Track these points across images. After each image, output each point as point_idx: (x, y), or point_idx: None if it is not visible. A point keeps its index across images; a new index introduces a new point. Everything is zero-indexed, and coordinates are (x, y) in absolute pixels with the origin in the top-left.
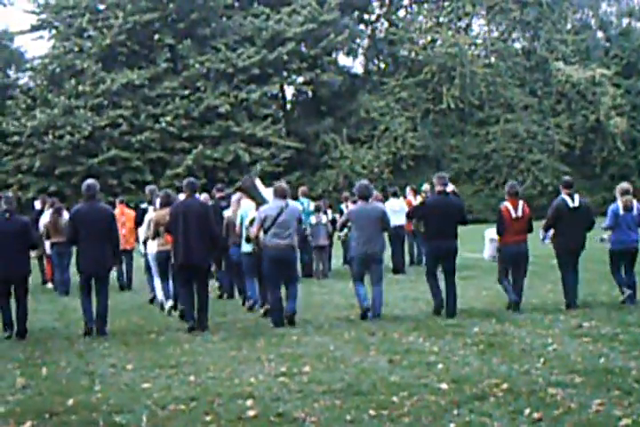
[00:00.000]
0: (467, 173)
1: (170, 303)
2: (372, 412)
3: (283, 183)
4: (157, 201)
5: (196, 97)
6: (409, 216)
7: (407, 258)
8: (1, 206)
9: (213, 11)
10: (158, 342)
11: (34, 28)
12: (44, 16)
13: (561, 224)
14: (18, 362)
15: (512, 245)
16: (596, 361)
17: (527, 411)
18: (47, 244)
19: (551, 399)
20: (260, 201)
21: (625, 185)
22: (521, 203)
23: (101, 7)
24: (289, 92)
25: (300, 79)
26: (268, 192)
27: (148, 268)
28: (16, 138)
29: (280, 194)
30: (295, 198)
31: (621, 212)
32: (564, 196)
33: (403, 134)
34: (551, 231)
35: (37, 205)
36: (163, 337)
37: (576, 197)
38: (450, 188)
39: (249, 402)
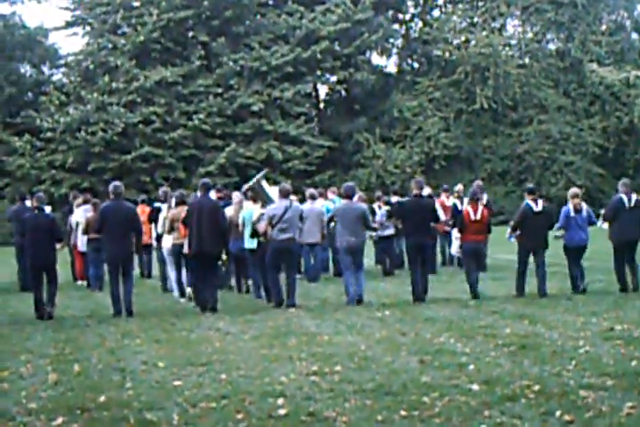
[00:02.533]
0: (499, 173)
1: (176, 293)
2: (402, 412)
3: (287, 184)
4: (172, 200)
5: (229, 95)
6: (390, 216)
7: (439, 258)
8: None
9: (247, 8)
10: (190, 339)
11: (68, 25)
12: (78, 12)
13: (525, 226)
14: (50, 358)
15: (470, 242)
16: (628, 364)
17: (558, 413)
18: (84, 239)
19: (582, 402)
20: (266, 200)
21: (575, 190)
22: (480, 208)
23: (135, 4)
24: (322, 90)
25: (334, 78)
26: (273, 191)
27: (162, 261)
28: (49, 134)
29: (284, 194)
30: (325, 198)
31: (572, 214)
32: (528, 201)
33: (435, 134)
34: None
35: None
36: (194, 335)
37: (539, 202)
38: (426, 191)
39: (280, 401)
